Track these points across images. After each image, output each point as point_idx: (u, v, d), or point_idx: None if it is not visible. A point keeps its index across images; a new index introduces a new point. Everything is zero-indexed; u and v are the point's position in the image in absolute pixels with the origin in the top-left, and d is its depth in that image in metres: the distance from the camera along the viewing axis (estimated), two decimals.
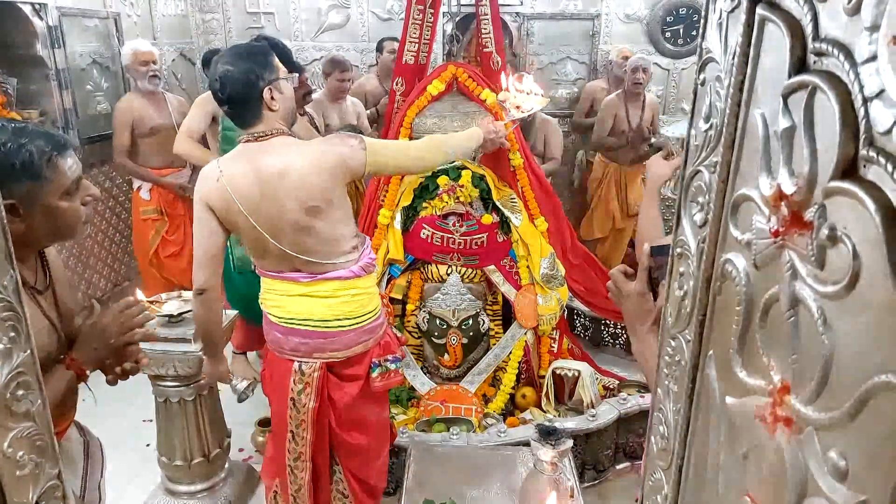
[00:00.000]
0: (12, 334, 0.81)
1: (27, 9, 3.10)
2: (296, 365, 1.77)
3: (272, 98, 1.60)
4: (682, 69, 4.50)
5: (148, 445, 2.59)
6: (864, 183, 0.41)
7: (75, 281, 3.48)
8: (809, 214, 0.46)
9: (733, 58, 0.57)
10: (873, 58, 0.40)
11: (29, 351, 0.83)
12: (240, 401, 2.05)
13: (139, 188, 3.40)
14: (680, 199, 0.69)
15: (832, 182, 0.43)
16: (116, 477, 2.37)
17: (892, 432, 0.38)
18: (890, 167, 0.39)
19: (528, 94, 2.05)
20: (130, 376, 1.34)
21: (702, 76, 0.64)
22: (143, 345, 1.74)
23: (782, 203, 0.49)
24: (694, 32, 4.35)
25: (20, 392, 0.82)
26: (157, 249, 3.41)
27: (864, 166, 0.41)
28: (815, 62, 0.46)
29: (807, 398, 0.46)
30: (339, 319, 1.75)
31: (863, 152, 0.41)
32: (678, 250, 0.69)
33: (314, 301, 1.74)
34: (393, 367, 1.86)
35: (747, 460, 0.55)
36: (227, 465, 2.31)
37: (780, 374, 0.50)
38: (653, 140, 3.90)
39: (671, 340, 0.71)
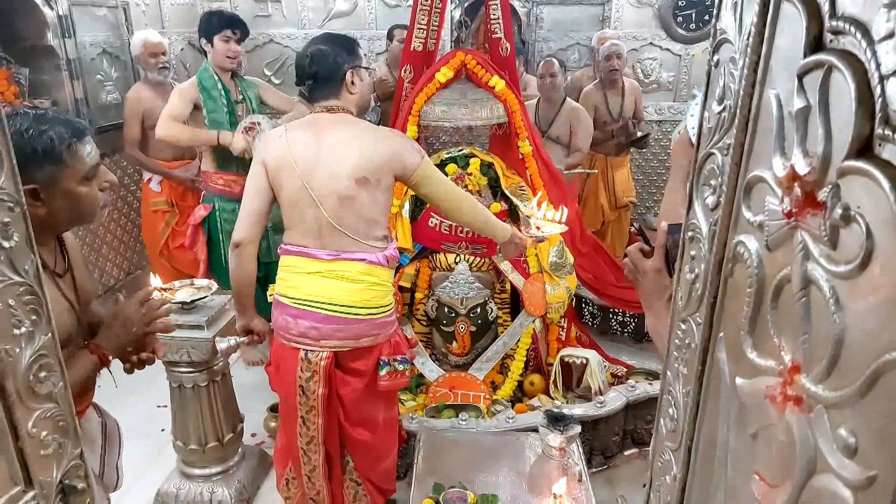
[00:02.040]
0: (34, 317, 0.82)
1: None
2: (302, 353, 1.77)
3: (352, 82, 1.75)
4: (694, 55, 4.45)
5: (163, 430, 2.63)
6: (879, 162, 0.41)
7: (88, 269, 3.52)
8: (823, 195, 0.46)
9: (748, 38, 0.57)
10: (891, 35, 0.40)
11: (50, 334, 0.85)
12: (223, 356, 2.05)
13: (149, 179, 3.42)
14: (692, 182, 0.69)
15: (847, 161, 0.43)
16: (133, 461, 2.41)
17: None
18: None
19: (551, 220, 2.14)
20: (147, 365, 1.38)
21: (716, 57, 0.64)
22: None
23: (795, 184, 0.49)
24: (707, 17, 4.29)
25: (42, 374, 0.84)
26: (167, 241, 3.44)
27: (880, 145, 0.41)
28: (831, 41, 0.46)
29: (817, 377, 0.47)
30: (353, 307, 1.75)
31: (878, 131, 0.41)
32: (689, 234, 0.70)
33: (333, 283, 1.74)
34: (401, 367, 1.86)
35: (756, 440, 0.56)
36: (240, 450, 2.34)
37: (791, 355, 0.51)
38: (638, 133, 3.87)
39: (681, 324, 0.72)
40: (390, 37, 3.97)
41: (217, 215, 2.99)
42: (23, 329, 0.81)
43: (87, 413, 1.44)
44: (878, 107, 0.41)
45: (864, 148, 0.42)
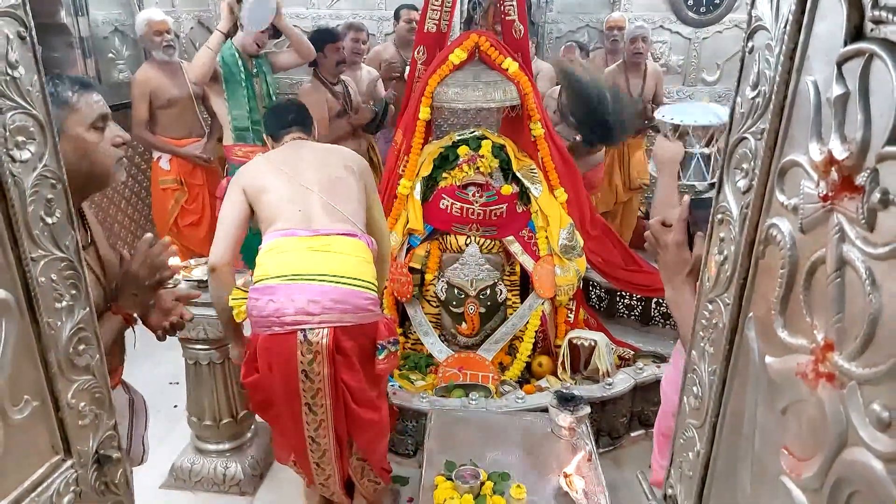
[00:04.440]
0: (74, 292, 0.85)
1: None
2: (300, 336, 1.68)
3: (316, 130, 2.17)
4: (704, 38, 4.41)
5: (175, 406, 2.68)
6: None
7: None
8: (861, 179, 0.48)
9: (785, 25, 0.58)
10: None
11: (88, 308, 0.88)
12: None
13: (159, 158, 3.43)
14: (722, 166, 0.70)
15: (886, 147, 0.45)
16: (147, 436, 2.47)
17: None
18: None
19: None
20: (178, 330, 1.42)
21: (750, 44, 0.65)
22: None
23: (832, 168, 0.51)
24: (717, 0, 4.25)
25: (81, 347, 0.87)
26: (177, 219, 3.46)
27: None
28: (871, 30, 0.47)
29: (851, 355, 0.49)
30: (349, 277, 1.73)
31: None
32: (719, 216, 0.71)
33: (327, 255, 1.74)
34: (394, 349, 1.87)
35: (786, 416, 0.58)
36: (253, 426, 2.39)
37: (824, 333, 0.53)
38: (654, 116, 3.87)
39: (708, 304, 0.74)
40: (397, 17, 3.94)
41: None
42: (63, 303, 0.83)
43: (116, 389, 1.48)
44: None
45: None
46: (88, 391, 0.90)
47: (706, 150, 1.91)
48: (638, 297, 3.19)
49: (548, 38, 4.48)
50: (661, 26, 4.43)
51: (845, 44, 0.50)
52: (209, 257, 1.84)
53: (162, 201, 3.48)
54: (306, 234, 1.76)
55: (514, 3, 2.62)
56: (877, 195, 0.46)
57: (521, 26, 2.65)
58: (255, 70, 3.24)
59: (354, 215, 1.86)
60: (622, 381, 2.47)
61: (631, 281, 3.04)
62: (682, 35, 4.43)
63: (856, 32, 0.49)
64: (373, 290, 1.80)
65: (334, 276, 1.71)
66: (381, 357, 1.81)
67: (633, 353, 2.87)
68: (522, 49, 2.69)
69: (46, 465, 0.83)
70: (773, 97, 0.60)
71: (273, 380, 1.75)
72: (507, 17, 2.65)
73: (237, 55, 3.16)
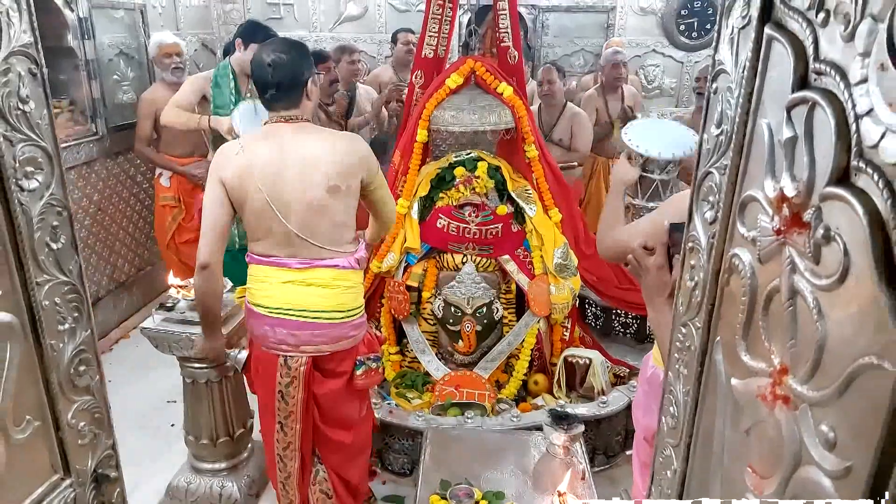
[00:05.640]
0: (76, 314, 0.88)
1: (59, 1, 3.18)
2: (281, 359, 1.77)
3: (311, 89, 1.74)
4: (696, 62, 4.50)
5: (172, 426, 2.70)
6: (855, 190, 0.46)
7: (101, 265, 3.59)
8: (807, 216, 0.52)
9: (743, 71, 0.62)
10: (865, 80, 0.45)
11: (89, 330, 0.91)
12: (242, 371, 2.06)
13: (160, 175, 3.50)
14: (692, 197, 0.74)
15: (827, 188, 0.49)
16: (143, 456, 2.48)
17: (874, 406, 0.44)
18: (877, 177, 0.44)
19: None
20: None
21: (714, 85, 0.70)
22: (172, 327, 1.82)
23: (784, 205, 0.55)
24: (708, 26, 4.35)
25: (82, 368, 0.90)
26: (174, 235, 3.52)
27: (855, 175, 0.47)
28: (815, 80, 0.52)
29: (802, 378, 0.52)
30: (330, 311, 1.75)
31: (854, 163, 0.46)
32: (689, 245, 0.75)
33: (307, 290, 1.74)
34: (374, 365, 1.87)
35: (749, 435, 0.61)
36: (249, 445, 2.40)
37: (780, 358, 0.56)
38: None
39: (682, 328, 0.77)
40: (394, 40, 4.04)
41: None
42: (66, 325, 0.87)
43: None
44: (853, 141, 0.46)
45: (842, 176, 0.48)
46: (88, 411, 0.93)
47: (665, 177, 1.95)
48: (634, 315, 3.22)
49: (543, 61, 4.56)
50: (653, 50, 4.53)
51: (793, 91, 0.54)
52: (198, 256, 1.74)
53: (162, 218, 3.54)
54: (287, 266, 1.74)
55: (509, 30, 2.69)
56: (820, 231, 0.50)
57: (516, 52, 2.72)
58: (248, 94, 3.07)
59: (334, 241, 1.75)
60: (617, 399, 2.49)
61: (624, 299, 3.07)
62: (675, 59, 4.53)
63: (801, 81, 0.54)
64: (353, 316, 1.80)
65: (313, 311, 1.73)
66: (358, 372, 1.84)
67: (628, 370, 2.89)
68: (517, 74, 2.75)
69: (46, 484, 0.86)
70: (734, 136, 0.64)
71: (259, 386, 1.86)
72: (501, 44, 2.72)
73: (232, 77, 3.01)
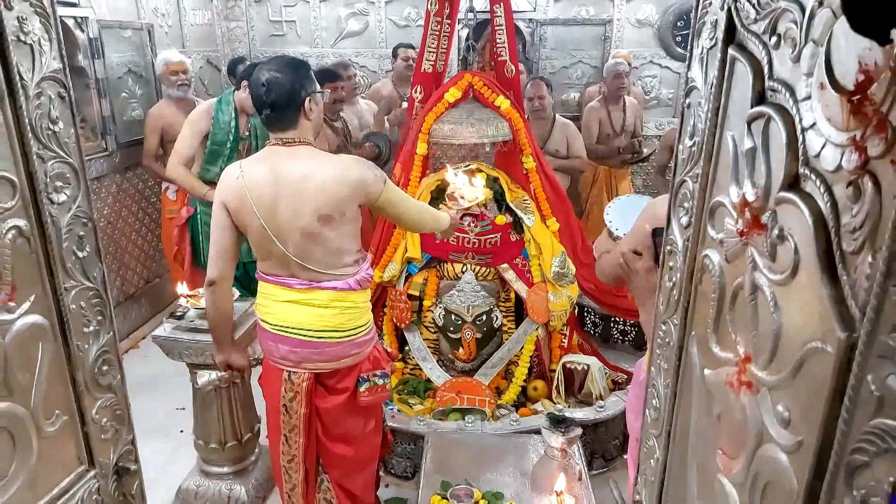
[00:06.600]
0: (100, 318, 0.95)
1: (70, 22, 3.27)
2: (285, 374, 1.80)
3: (310, 108, 1.69)
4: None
5: (182, 431, 2.75)
6: (803, 194, 0.53)
7: (111, 277, 3.65)
8: (765, 218, 0.58)
9: (711, 88, 0.69)
10: (808, 97, 0.51)
11: (112, 333, 0.97)
12: (202, 388, 2.14)
13: (167, 189, 3.58)
14: (670, 204, 0.81)
15: (781, 192, 0.55)
16: (154, 460, 2.54)
17: (819, 386, 0.50)
18: (819, 183, 0.50)
19: (471, 186, 2.28)
20: None
21: (687, 101, 0.76)
22: (182, 335, 1.87)
23: (746, 209, 0.61)
24: None
25: (105, 367, 0.96)
26: (179, 248, 3.59)
27: (803, 181, 0.53)
28: (770, 96, 0.58)
29: (762, 365, 0.58)
30: (328, 331, 1.76)
31: (802, 170, 0.53)
32: (668, 248, 0.81)
33: (306, 310, 1.75)
34: (381, 382, 1.87)
35: (720, 421, 0.67)
36: (257, 449, 2.45)
37: (744, 347, 0.62)
38: (644, 151, 4.13)
39: (662, 325, 0.83)
40: (394, 55, 4.12)
41: (198, 217, 3.14)
42: (91, 328, 0.93)
43: None
44: (801, 151, 0.53)
45: (793, 182, 0.54)
46: (111, 408, 0.99)
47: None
48: (632, 322, 3.27)
49: (542, 73, 4.65)
50: (651, 61, 4.61)
51: (752, 106, 0.61)
52: (208, 273, 1.78)
53: (169, 230, 3.61)
54: (289, 286, 1.76)
55: (506, 45, 2.77)
56: (776, 231, 0.56)
57: (513, 66, 2.80)
58: (247, 133, 2.97)
59: (332, 265, 1.74)
60: (614, 404, 2.54)
61: (622, 306, 3.12)
62: (672, 69, 4.60)
63: (759, 97, 0.60)
64: (355, 335, 1.80)
65: (312, 330, 1.75)
66: (361, 389, 1.84)
67: (626, 377, 2.93)
68: (514, 87, 2.83)
69: (73, 475, 0.92)
70: (704, 147, 0.70)
71: (268, 397, 1.90)
72: (499, 58, 2.80)
73: (234, 113, 2.92)
